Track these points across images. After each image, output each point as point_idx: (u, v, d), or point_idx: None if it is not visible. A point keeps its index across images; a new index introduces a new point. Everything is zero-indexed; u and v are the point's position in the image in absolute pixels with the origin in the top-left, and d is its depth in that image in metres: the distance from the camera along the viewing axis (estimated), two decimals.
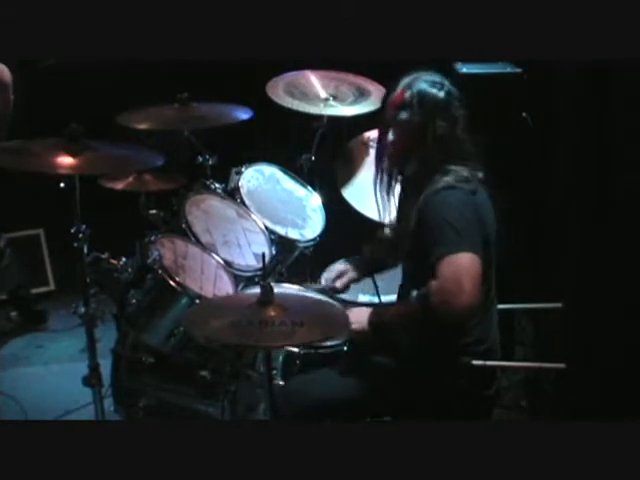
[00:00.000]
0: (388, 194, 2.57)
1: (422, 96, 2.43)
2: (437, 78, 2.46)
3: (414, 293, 2.36)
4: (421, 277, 2.33)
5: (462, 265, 2.22)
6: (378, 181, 2.56)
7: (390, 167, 2.55)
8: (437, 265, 2.24)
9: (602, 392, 2.39)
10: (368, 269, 2.87)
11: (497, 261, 2.49)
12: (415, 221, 2.41)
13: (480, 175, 2.44)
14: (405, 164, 2.52)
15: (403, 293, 2.55)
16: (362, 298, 2.99)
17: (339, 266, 2.91)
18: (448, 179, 2.37)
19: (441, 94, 2.43)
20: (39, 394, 3.67)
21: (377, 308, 2.50)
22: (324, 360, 2.72)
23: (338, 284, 2.85)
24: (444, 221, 2.28)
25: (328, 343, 2.70)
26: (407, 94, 2.44)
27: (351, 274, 2.87)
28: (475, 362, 2.39)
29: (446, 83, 2.46)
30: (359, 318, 2.43)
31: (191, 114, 3.28)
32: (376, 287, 2.90)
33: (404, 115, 2.45)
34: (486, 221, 2.38)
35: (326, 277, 2.94)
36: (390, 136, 2.51)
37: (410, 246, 2.47)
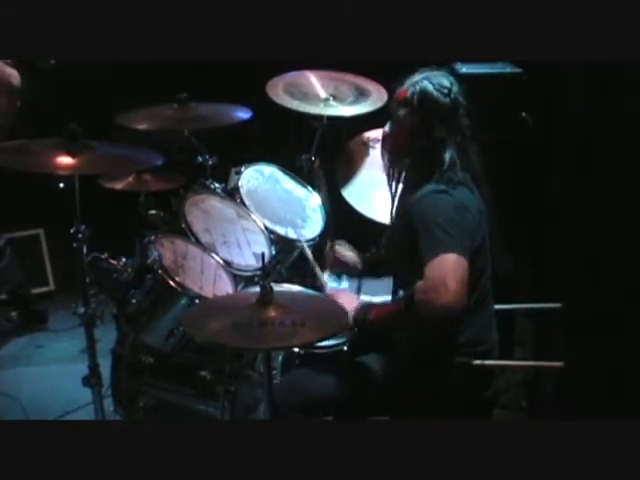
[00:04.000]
0: (393, 189, 2.56)
1: (424, 97, 2.41)
2: (446, 82, 2.43)
3: (401, 293, 2.36)
4: (409, 279, 2.32)
5: (448, 265, 2.20)
6: (387, 174, 2.57)
7: (386, 161, 2.56)
8: (425, 266, 2.23)
9: (601, 392, 2.39)
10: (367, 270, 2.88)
11: (492, 263, 2.49)
12: (403, 223, 2.42)
13: (470, 183, 2.42)
14: (397, 161, 2.53)
15: (394, 296, 2.56)
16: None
17: (352, 256, 2.90)
18: (439, 183, 2.36)
19: (445, 100, 2.40)
20: (39, 394, 3.66)
21: (364, 305, 2.46)
22: (324, 360, 2.73)
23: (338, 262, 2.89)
24: (432, 223, 2.27)
25: (328, 342, 2.71)
26: (409, 92, 2.44)
27: (354, 267, 2.89)
28: (475, 362, 2.39)
29: (454, 89, 2.42)
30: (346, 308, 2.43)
31: (191, 114, 3.28)
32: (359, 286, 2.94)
33: (402, 112, 2.45)
34: (476, 226, 2.36)
35: (339, 249, 2.92)
36: (386, 128, 2.55)
37: (398, 247, 2.47)
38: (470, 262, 2.25)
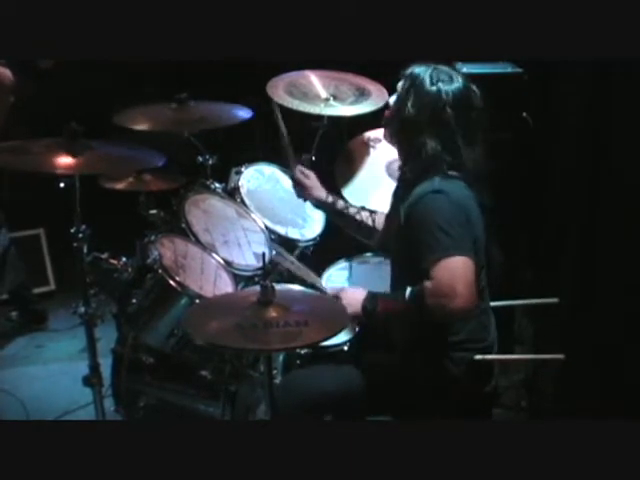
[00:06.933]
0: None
1: (414, 77, 2.43)
2: (443, 75, 2.40)
3: (408, 291, 2.35)
4: (412, 276, 2.33)
5: (456, 268, 2.22)
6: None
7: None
8: (431, 269, 2.24)
9: (601, 391, 2.38)
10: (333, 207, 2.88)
11: (492, 261, 2.49)
12: (403, 220, 2.42)
13: (465, 183, 2.41)
14: (395, 147, 2.55)
15: (394, 289, 2.55)
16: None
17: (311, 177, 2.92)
18: (436, 182, 2.36)
19: (429, 87, 2.38)
20: (39, 394, 3.67)
21: (372, 295, 2.45)
22: (325, 359, 2.73)
23: (301, 177, 2.90)
24: (435, 225, 2.27)
25: (330, 342, 2.71)
26: (402, 79, 2.47)
27: (316, 188, 2.89)
28: (477, 357, 2.41)
29: (448, 86, 2.39)
30: (353, 301, 2.42)
31: (190, 114, 3.28)
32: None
33: (393, 98, 2.51)
34: (474, 224, 2.37)
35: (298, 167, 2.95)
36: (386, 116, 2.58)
37: (398, 244, 2.47)
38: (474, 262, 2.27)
